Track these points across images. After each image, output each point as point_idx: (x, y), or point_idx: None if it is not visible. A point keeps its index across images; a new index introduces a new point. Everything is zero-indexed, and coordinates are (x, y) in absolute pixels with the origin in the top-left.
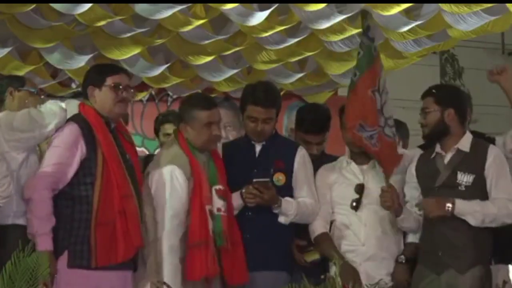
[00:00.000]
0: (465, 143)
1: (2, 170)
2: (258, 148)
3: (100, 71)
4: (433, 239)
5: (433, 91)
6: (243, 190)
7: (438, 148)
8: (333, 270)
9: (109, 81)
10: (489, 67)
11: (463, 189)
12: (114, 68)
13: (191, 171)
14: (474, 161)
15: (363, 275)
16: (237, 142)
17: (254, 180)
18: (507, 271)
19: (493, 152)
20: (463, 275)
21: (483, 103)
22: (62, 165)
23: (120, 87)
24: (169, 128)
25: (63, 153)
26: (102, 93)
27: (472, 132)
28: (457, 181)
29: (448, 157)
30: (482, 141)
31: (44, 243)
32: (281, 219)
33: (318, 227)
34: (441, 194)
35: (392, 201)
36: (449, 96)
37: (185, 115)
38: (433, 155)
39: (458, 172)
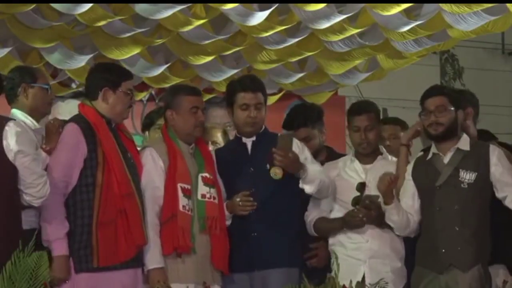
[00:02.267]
0: (465, 143)
1: (37, 170)
2: (249, 145)
3: (117, 74)
4: (433, 238)
5: (445, 91)
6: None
7: (434, 149)
8: (333, 270)
9: (124, 86)
10: (489, 67)
11: (465, 186)
12: (129, 73)
13: (167, 152)
14: (476, 159)
15: (368, 272)
16: (228, 145)
17: (279, 134)
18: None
19: (495, 152)
20: (464, 273)
21: (483, 103)
22: (69, 167)
23: (131, 93)
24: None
25: (67, 155)
26: (116, 97)
27: (479, 131)
28: (460, 178)
29: (448, 156)
30: (481, 141)
31: (60, 248)
32: (307, 188)
33: (313, 219)
34: (443, 193)
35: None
36: (460, 98)
37: (171, 101)
38: (429, 157)
39: (460, 170)
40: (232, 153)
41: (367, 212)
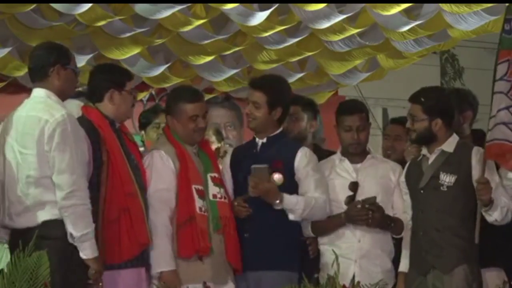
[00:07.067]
0: (450, 144)
1: None
2: (259, 144)
3: (121, 75)
4: (418, 240)
5: (422, 99)
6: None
7: (424, 151)
8: (333, 270)
9: (128, 86)
10: (489, 67)
11: (445, 189)
12: (130, 73)
13: (177, 154)
14: (457, 161)
15: (358, 272)
16: (244, 144)
17: (252, 166)
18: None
19: (478, 154)
20: (447, 275)
21: (483, 103)
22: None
23: (134, 92)
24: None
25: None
26: (121, 97)
27: (474, 131)
28: (439, 181)
29: (432, 158)
30: (467, 142)
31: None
32: (290, 216)
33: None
34: (425, 196)
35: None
36: (437, 106)
37: (171, 108)
38: (419, 158)
39: (441, 173)
40: (244, 151)
41: (372, 215)
